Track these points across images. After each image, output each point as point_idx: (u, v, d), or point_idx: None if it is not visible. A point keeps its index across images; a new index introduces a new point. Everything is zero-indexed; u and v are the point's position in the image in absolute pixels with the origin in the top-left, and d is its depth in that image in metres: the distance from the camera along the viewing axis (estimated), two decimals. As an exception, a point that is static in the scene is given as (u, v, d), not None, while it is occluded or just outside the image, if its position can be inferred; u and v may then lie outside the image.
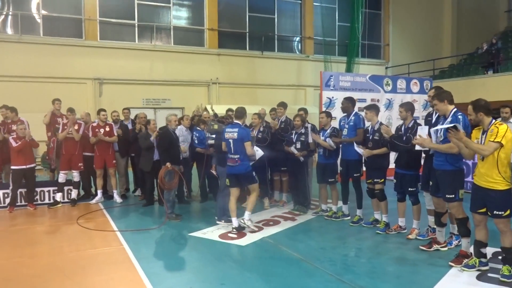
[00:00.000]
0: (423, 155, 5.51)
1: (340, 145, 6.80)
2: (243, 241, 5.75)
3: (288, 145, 7.24)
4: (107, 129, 8.27)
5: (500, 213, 4.19)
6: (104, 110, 8.50)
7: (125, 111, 9.25)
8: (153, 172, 7.71)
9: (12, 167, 7.65)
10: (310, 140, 7.06)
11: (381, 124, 6.11)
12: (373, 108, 6.33)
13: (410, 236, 5.72)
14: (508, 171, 4.18)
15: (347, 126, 6.65)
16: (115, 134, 8.34)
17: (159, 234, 6.21)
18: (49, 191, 8.19)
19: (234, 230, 6.13)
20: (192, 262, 5.03)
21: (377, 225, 6.25)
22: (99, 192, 8.38)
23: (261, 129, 7.54)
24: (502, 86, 14.90)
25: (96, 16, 14.61)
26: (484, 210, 4.33)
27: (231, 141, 6.06)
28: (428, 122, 5.48)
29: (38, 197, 8.09)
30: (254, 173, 6.24)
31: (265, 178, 7.77)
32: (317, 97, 13.87)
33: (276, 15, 17.84)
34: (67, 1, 14.44)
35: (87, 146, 8.29)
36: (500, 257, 4.44)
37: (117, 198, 8.37)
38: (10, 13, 13.66)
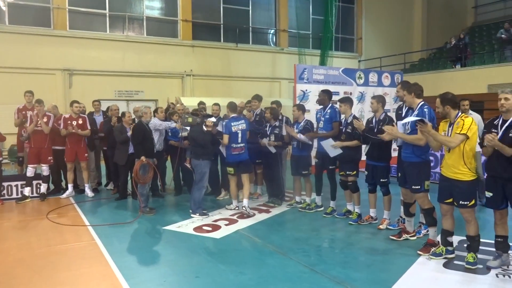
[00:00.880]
0: (395, 147, 5.66)
1: (316, 138, 6.87)
2: (217, 234, 5.76)
3: (262, 138, 7.27)
4: (80, 121, 8.04)
5: (465, 203, 4.35)
6: (78, 102, 8.24)
7: (95, 103, 9.02)
8: (127, 165, 7.59)
9: (-23, 161, 7.38)
10: (284, 133, 7.11)
11: (354, 117, 6.21)
12: (347, 100, 6.41)
13: (381, 226, 5.87)
14: (473, 162, 4.34)
15: (323, 119, 6.69)
16: (88, 127, 8.13)
17: (132, 228, 6.14)
18: (16, 186, 7.93)
19: (243, 208, 6.75)
20: (166, 256, 5.00)
21: (350, 216, 6.38)
22: (70, 186, 8.17)
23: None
24: (469, 79, 15.42)
25: (65, 5, 14.15)
26: (450, 200, 4.49)
27: (239, 132, 6.69)
28: (398, 115, 5.62)
29: (5, 192, 7.83)
30: None
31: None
32: (291, 90, 13.94)
33: (250, 7, 17.78)
34: (34, -12, 13.93)
35: (56, 139, 8.05)
36: (465, 245, 4.61)
37: (88, 192, 8.19)
38: (-27, 0, 13.07)
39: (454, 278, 4.19)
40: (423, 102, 4.91)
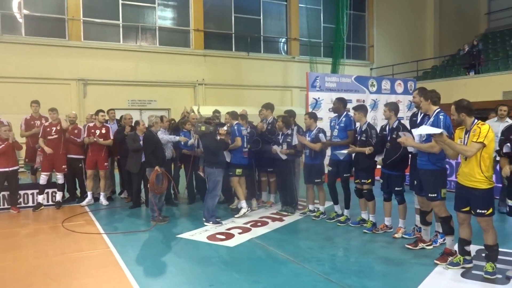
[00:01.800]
0: (410, 155, 5.62)
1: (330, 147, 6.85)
2: (231, 242, 5.75)
3: (274, 146, 7.28)
4: (103, 131, 8.15)
5: (482, 211, 4.28)
6: (103, 111, 8.34)
7: (111, 111, 9.15)
8: (140, 173, 7.64)
9: (-5, 170, 7.49)
10: (295, 142, 7.10)
11: (368, 124, 6.19)
12: (361, 108, 6.37)
13: (396, 235, 5.80)
14: (491, 170, 4.28)
15: (337, 127, 6.66)
16: (111, 137, 8.22)
17: (146, 236, 6.17)
18: (32, 194, 8.03)
19: (248, 210, 7.13)
20: (180, 264, 5.00)
21: (364, 225, 6.32)
22: (89, 193, 8.24)
23: (248, 130, 7.54)
24: (484, 86, 15.24)
25: (80, 16, 14.44)
26: (467, 208, 4.42)
27: (245, 137, 7.20)
28: (413, 122, 5.59)
29: (21, 200, 7.94)
30: None
31: (253, 179, 7.79)
32: (303, 98, 13.96)
33: (261, 16, 17.90)
34: (49, 0, 14.22)
35: (71, 148, 8.15)
36: (483, 255, 4.53)
37: (103, 200, 8.24)
38: (-9, 12, 13.41)
39: (472, 288, 4.11)
40: (439, 109, 4.87)
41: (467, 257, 4.59)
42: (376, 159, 5.97)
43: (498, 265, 4.42)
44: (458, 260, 4.60)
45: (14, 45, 13.32)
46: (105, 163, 8.22)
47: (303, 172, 7.19)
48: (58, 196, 8.06)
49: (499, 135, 6.85)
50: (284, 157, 7.13)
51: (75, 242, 5.88)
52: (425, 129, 4.51)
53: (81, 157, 8.29)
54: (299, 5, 18.45)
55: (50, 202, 8.09)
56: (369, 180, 6.20)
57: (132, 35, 15.49)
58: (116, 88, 14.69)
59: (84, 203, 8.14)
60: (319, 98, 10.20)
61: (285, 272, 4.62)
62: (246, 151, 7.21)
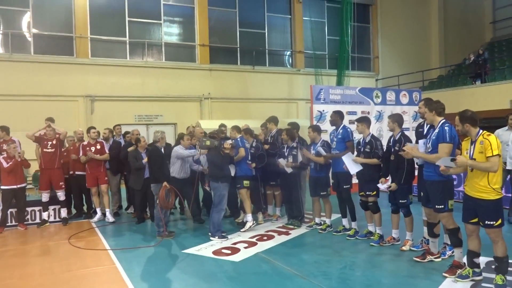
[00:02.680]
0: (416, 166, 5.57)
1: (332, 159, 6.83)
2: (237, 257, 5.71)
3: (279, 160, 7.26)
4: (98, 147, 8.22)
5: (491, 223, 4.21)
6: (94, 128, 8.46)
7: (117, 127, 9.22)
8: (143, 190, 7.66)
9: (2, 187, 7.57)
10: (301, 159, 7.08)
11: (372, 136, 6.17)
12: (365, 120, 6.37)
13: (404, 248, 5.72)
14: (499, 181, 4.22)
15: (335, 139, 6.74)
16: (106, 151, 8.29)
17: (152, 252, 6.15)
18: (40, 211, 8.07)
19: (254, 223, 7.17)
20: (186, 280, 4.97)
21: (371, 237, 6.25)
22: (98, 210, 8.30)
23: (254, 144, 7.55)
24: (490, 95, 15.11)
25: (87, 34, 14.67)
26: (475, 220, 4.35)
27: (248, 149, 7.27)
28: (419, 133, 5.56)
29: (28, 216, 7.99)
30: None
31: (258, 192, 7.76)
32: (309, 110, 13.95)
33: (266, 30, 18.04)
34: (57, 18, 14.48)
35: (77, 165, 8.23)
36: (493, 267, 4.44)
37: (109, 217, 8.22)
38: (1, 32, 13.67)
39: (482, 302, 4.03)
40: (444, 120, 4.83)
41: (477, 270, 4.50)
42: (386, 186, 5.82)
43: (509, 277, 4.32)
44: (467, 273, 4.51)
45: (23, 63, 13.55)
46: (105, 178, 8.28)
47: (309, 185, 7.15)
48: (63, 212, 8.09)
49: (510, 143, 6.84)
50: (289, 170, 7.11)
51: (81, 258, 5.88)
52: (445, 161, 4.39)
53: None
54: (303, 18, 18.57)
55: (57, 219, 8.12)
56: (374, 192, 6.13)
57: (138, 51, 15.69)
58: (123, 104, 14.82)
59: (95, 219, 8.19)
60: (323, 110, 10.21)
61: (291, 287, 4.56)
62: (249, 163, 7.24)
